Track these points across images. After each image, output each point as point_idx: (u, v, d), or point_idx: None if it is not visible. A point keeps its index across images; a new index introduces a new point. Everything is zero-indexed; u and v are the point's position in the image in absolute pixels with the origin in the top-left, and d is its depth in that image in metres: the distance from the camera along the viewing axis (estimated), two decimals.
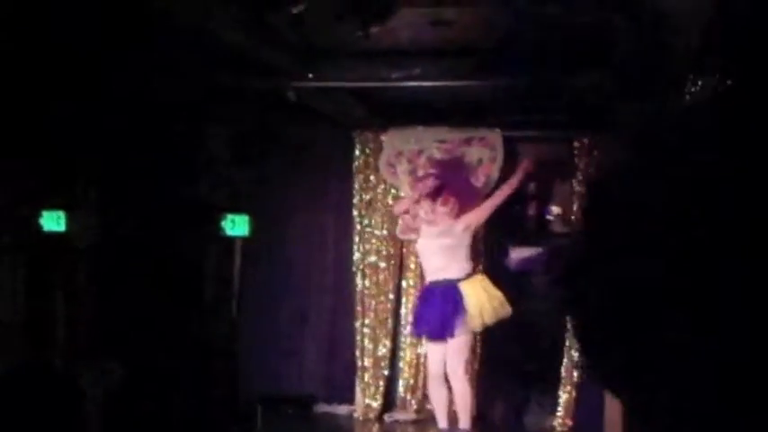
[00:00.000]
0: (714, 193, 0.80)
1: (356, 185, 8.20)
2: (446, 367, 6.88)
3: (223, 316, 7.55)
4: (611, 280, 0.83)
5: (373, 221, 8.14)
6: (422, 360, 7.75)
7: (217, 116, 7.32)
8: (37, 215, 6.88)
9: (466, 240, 7.05)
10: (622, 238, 0.83)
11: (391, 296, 8.11)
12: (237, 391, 7.44)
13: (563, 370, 7.74)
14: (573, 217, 7.77)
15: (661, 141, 0.88)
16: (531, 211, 8.71)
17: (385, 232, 8.10)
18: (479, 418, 7.83)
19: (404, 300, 8.04)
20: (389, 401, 8.18)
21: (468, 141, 7.79)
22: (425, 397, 7.64)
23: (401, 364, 8.13)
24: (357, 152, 8.20)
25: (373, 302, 8.14)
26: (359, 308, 8.17)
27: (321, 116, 7.86)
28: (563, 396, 7.75)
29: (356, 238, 8.18)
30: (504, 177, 7.65)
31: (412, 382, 8.07)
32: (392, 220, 8.05)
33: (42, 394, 5.45)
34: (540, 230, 8.63)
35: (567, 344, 7.72)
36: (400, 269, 8.13)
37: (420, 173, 7.75)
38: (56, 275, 6.91)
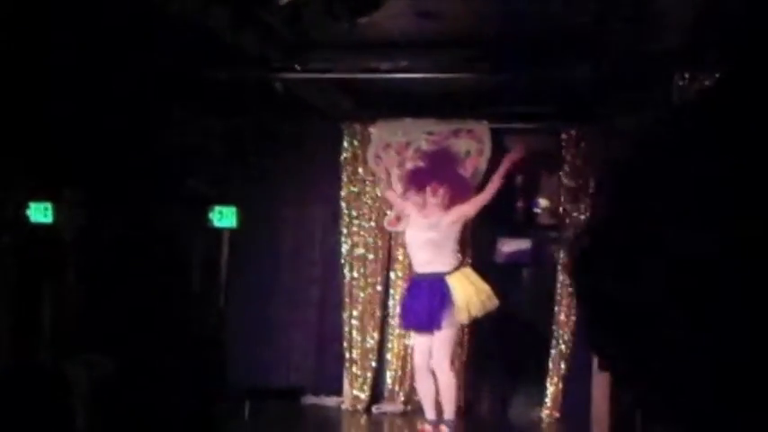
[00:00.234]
0: (715, 191, 0.80)
1: (344, 177, 8.20)
2: (432, 359, 6.88)
3: (211, 308, 7.55)
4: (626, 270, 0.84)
5: (361, 213, 8.14)
6: (409, 352, 7.75)
7: (205, 109, 7.31)
8: (24, 207, 6.87)
9: (453, 234, 7.04)
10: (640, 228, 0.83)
11: (379, 288, 8.12)
12: (226, 382, 7.43)
13: (550, 362, 7.76)
14: (561, 209, 7.77)
15: (663, 139, 0.88)
16: (519, 203, 8.73)
17: (373, 224, 8.10)
18: (467, 409, 7.86)
19: (392, 291, 8.04)
20: (377, 393, 8.19)
21: (455, 133, 7.79)
22: (413, 388, 7.65)
23: (389, 356, 8.14)
24: (345, 144, 8.20)
25: (361, 294, 8.14)
26: (347, 299, 8.17)
27: (309, 108, 7.86)
28: (550, 388, 7.77)
29: (344, 230, 8.18)
30: (491, 169, 7.65)
31: (400, 373, 8.08)
32: (380, 211, 8.05)
33: (28, 388, 5.44)
34: (527, 222, 8.65)
35: (555, 336, 7.74)
36: (388, 261, 8.14)
37: (408, 165, 7.74)
38: (43, 267, 6.90)
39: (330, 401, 8.29)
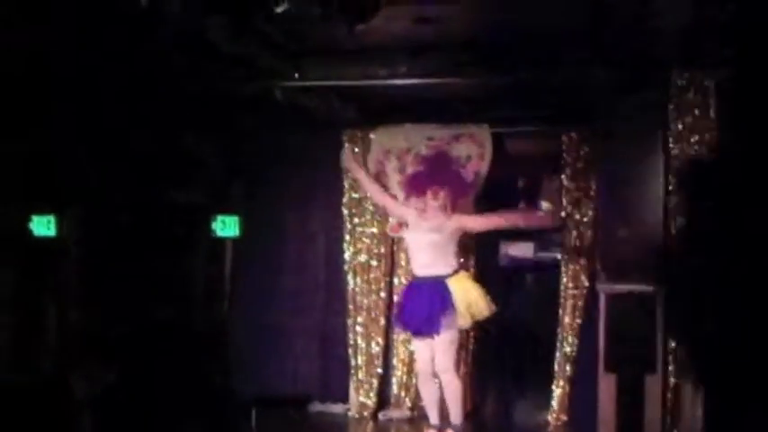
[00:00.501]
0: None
1: (346, 184, 8.20)
2: (435, 364, 6.87)
3: (215, 318, 7.55)
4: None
5: (363, 220, 8.15)
6: (414, 357, 7.75)
7: (205, 119, 7.31)
8: (27, 220, 6.87)
9: (455, 237, 7.04)
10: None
11: (383, 294, 8.12)
12: (231, 392, 7.43)
13: (556, 365, 7.75)
14: (563, 212, 7.76)
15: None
16: (522, 206, 8.74)
17: (375, 230, 8.11)
18: (473, 413, 7.86)
19: (395, 297, 8.04)
20: (383, 399, 8.19)
21: (456, 138, 7.78)
22: (419, 394, 7.64)
23: (394, 362, 8.14)
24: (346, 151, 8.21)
25: (365, 300, 8.15)
26: (351, 306, 8.18)
27: (309, 116, 7.86)
28: (556, 391, 7.75)
29: (347, 237, 8.18)
30: (492, 173, 7.65)
31: (405, 379, 8.09)
32: (382, 218, 8.05)
33: (33, 399, 5.45)
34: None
35: (560, 339, 7.73)
36: (391, 267, 8.14)
37: (409, 170, 7.74)
38: (46, 280, 6.91)
39: (337, 408, 8.30)
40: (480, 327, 7.21)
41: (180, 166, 7.18)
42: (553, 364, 7.76)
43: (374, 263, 8.15)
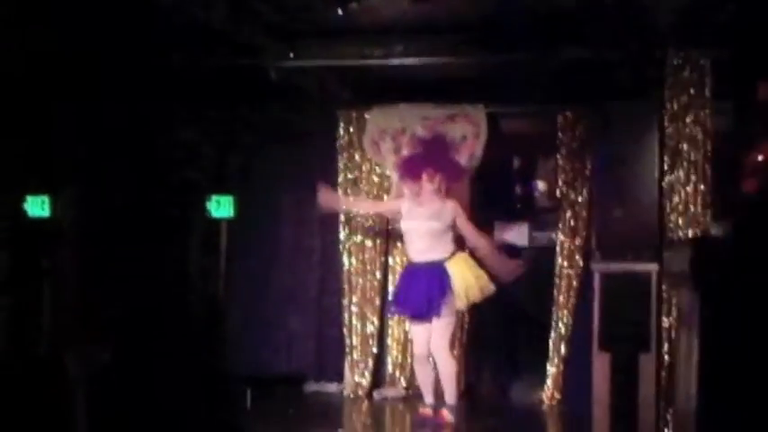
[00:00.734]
0: None
1: (341, 164, 8.20)
2: (431, 345, 6.87)
3: (210, 297, 7.55)
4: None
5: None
6: (409, 337, 7.76)
7: (200, 98, 7.30)
8: (21, 200, 6.87)
9: (453, 224, 6.99)
10: None
11: (378, 274, 8.13)
12: (226, 371, 7.44)
13: (551, 344, 7.77)
14: (558, 191, 7.76)
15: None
16: (517, 186, 8.74)
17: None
18: (468, 393, 7.87)
19: (391, 277, 8.05)
20: (378, 379, 8.21)
21: (451, 118, 7.76)
22: (414, 373, 7.65)
23: (389, 342, 8.16)
24: (341, 131, 8.21)
25: (360, 281, 8.16)
26: (346, 286, 8.19)
27: (304, 95, 7.84)
28: (551, 370, 7.78)
29: (342, 217, 8.18)
30: (487, 153, 7.64)
31: (400, 359, 8.11)
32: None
33: (28, 379, 5.46)
34: (525, 206, 8.66)
35: (555, 318, 7.74)
36: (387, 247, 8.14)
37: (404, 151, 7.73)
38: (41, 260, 6.90)
39: (332, 388, 8.31)
40: (475, 306, 7.20)
41: (174, 145, 7.16)
42: (548, 343, 7.78)
43: (369, 243, 8.16)
